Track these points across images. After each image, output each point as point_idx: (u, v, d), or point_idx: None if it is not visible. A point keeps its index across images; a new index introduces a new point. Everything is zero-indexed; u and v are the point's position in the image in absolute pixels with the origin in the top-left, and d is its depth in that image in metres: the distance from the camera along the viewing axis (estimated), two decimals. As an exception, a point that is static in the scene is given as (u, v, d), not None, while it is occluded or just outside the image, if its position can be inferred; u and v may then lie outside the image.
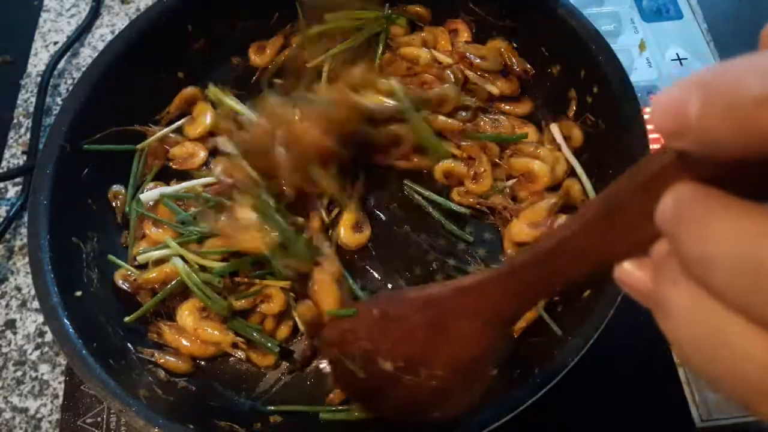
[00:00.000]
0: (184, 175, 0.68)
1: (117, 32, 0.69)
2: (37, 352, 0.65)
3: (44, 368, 0.64)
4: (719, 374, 0.19)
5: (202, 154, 0.69)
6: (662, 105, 0.18)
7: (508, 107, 0.70)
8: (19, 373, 0.63)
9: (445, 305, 0.40)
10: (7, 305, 0.67)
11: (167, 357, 0.58)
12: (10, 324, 0.66)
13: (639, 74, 0.77)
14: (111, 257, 0.62)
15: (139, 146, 0.68)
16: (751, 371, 0.18)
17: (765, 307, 0.17)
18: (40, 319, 0.66)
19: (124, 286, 0.61)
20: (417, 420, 0.47)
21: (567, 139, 0.66)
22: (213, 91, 0.68)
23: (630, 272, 0.24)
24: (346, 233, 0.63)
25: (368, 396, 0.48)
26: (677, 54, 0.78)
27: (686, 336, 0.20)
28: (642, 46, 0.79)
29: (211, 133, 0.70)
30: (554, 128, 0.67)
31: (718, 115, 0.17)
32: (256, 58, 0.75)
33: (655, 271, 0.22)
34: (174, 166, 0.69)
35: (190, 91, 0.72)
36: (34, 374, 0.63)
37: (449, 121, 0.67)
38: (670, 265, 0.20)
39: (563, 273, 0.30)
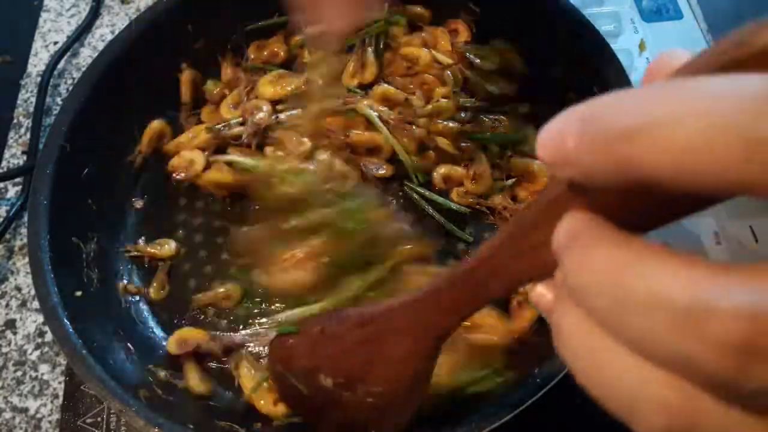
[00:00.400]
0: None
1: (117, 32, 0.69)
2: (37, 352, 0.65)
3: (44, 368, 0.64)
4: (601, 396, 0.20)
5: (202, 159, 0.68)
6: (544, 136, 0.20)
7: (507, 107, 0.70)
8: (19, 373, 0.63)
9: (377, 324, 0.41)
10: (7, 305, 0.67)
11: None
12: (10, 324, 0.66)
13: (639, 74, 0.77)
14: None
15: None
16: (624, 394, 0.19)
17: (631, 333, 0.18)
18: (40, 319, 0.66)
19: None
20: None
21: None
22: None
23: (540, 294, 0.26)
24: None
25: (311, 412, 0.49)
26: (677, 54, 0.78)
27: (572, 357, 0.22)
28: (642, 46, 0.79)
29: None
30: None
31: (590, 147, 0.18)
32: (256, 57, 0.75)
33: (555, 294, 0.25)
34: (177, 178, 0.68)
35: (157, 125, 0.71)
36: (34, 374, 0.63)
37: (449, 124, 0.67)
38: (563, 289, 0.22)
39: (486, 290, 0.31)
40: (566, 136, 0.19)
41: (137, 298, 0.63)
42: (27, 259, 0.61)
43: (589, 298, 0.19)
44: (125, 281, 0.64)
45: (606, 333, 0.19)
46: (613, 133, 0.17)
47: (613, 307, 0.18)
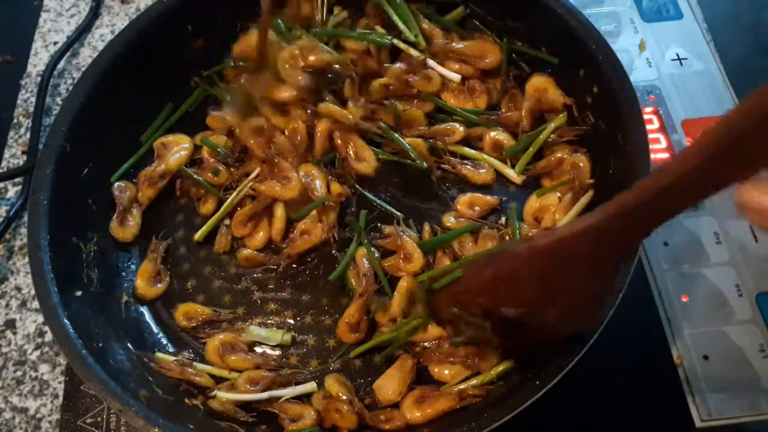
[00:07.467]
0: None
1: (117, 32, 0.69)
2: (37, 352, 0.65)
3: (44, 368, 0.64)
4: None
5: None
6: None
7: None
8: (19, 373, 0.64)
9: (558, 253, 0.43)
10: (7, 305, 0.68)
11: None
12: (10, 324, 0.66)
13: (639, 74, 0.77)
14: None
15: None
16: None
17: None
18: (40, 319, 0.66)
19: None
20: (547, 342, 0.49)
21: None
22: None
23: (753, 195, 0.30)
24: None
25: (492, 339, 0.52)
26: (677, 54, 0.78)
27: None
28: (642, 46, 0.79)
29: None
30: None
31: None
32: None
33: None
34: None
35: None
36: (34, 374, 0.63)
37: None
38: None
39: (690, 198, 0.35)
40: None
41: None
42: (27, 259, 0.61)
43: None
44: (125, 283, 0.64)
45: None
46: None
47: None
